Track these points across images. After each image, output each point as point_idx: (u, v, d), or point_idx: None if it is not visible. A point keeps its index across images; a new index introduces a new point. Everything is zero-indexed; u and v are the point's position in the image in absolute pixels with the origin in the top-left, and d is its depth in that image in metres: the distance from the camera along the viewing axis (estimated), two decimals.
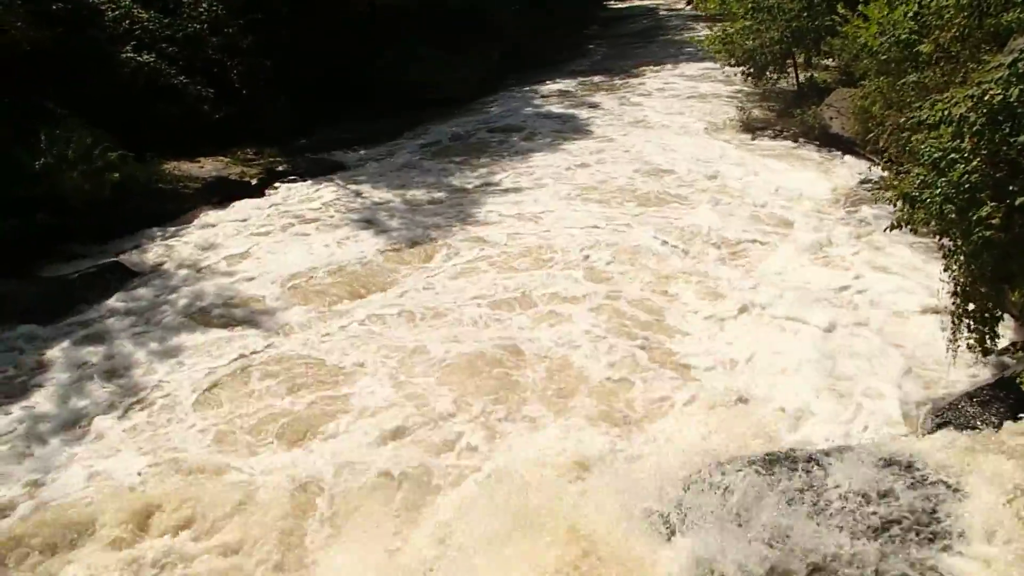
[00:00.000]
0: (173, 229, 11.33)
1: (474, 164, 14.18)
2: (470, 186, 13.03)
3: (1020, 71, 5.23)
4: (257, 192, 12.89)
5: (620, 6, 34.32)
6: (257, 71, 15.29)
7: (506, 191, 12.60)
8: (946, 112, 5.63)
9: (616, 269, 9.39)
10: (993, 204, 5.23)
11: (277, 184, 13.25)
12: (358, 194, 12.81)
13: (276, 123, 15.01)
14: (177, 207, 11.87)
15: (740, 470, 5.03)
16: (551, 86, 20.57)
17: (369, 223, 11.47)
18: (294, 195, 12.83)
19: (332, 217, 11.78)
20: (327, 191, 12.97)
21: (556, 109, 18.05)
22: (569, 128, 16.23)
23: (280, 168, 13.81)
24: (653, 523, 4.78)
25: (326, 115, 16.04)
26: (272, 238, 11.06)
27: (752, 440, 6.01)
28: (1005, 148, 5.46)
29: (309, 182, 13.38)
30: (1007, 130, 5.23)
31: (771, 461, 5.16)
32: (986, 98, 5.30)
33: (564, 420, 6.56)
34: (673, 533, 4.67)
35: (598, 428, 6.40)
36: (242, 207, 12.20)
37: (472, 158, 14.58)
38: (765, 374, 7.01)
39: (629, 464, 5.71)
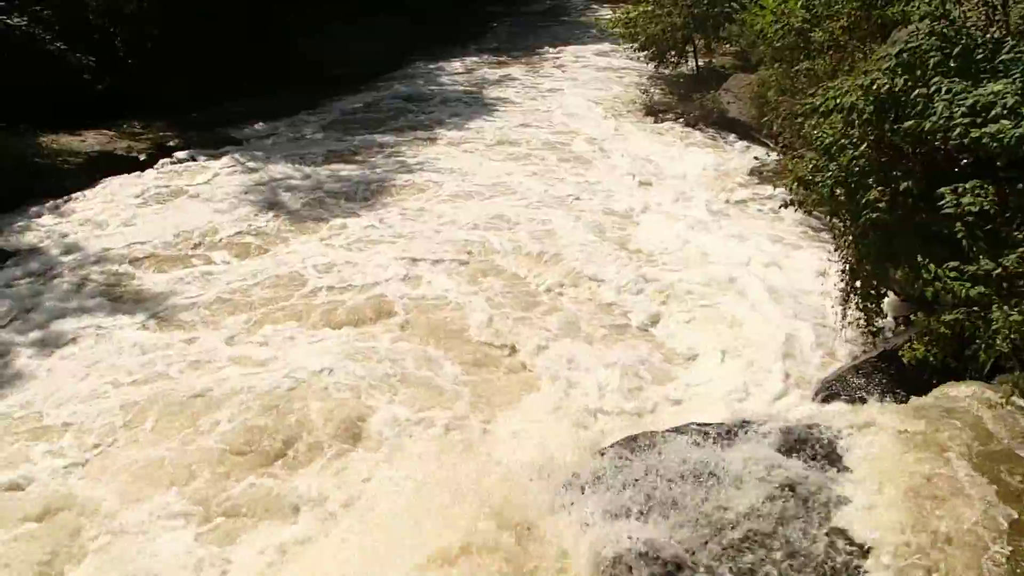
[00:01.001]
0: (52, 206, 10.60)
1: (381, 139, 13.86)
2: (376, 160, 12.77)
3: (904, 61, 5.51)
4: (145, 166, 12.18)
5: None
6: (145, 39, 14.35)
7: (414, 165, 12.41)
8: (838, 100, 5.88)
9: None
10: (880, 188, 5.50)
11: (166, 159, 12.51)
12: (254, 168, 12.29)
13: (166, 95, 14.13)
14: (57, 183, 11.05)
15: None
16: (457, 63, 20.30)
17: (266, 195, 11.18)
18: (185, 169, 12.19)
19: (225, 190, 11.34)
20: (221, 165, 12.38)
21: (463, 86, 17.85)
22: (476, 105, 16.09)
23: (171, 143, 13.05)
24: None
25: (223, 88, 15.15)
26: (159, 211, 10.62)
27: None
28: (890, 135, 5.77)
29: (203, 157, 12.72)
30: (892, 117, 5.50)
31: (679, 432, 5.33)
32: (874, 87, 5.57)
33: None
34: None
35: None
36: (128, 182, 11.55)
37: (380, 133, 14.26)
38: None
39: None
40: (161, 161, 12.43)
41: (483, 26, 24.35)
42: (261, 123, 14.62)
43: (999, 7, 5.82)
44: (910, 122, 5.17)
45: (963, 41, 5.53)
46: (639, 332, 7.68)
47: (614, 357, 7.11)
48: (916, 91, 5.24)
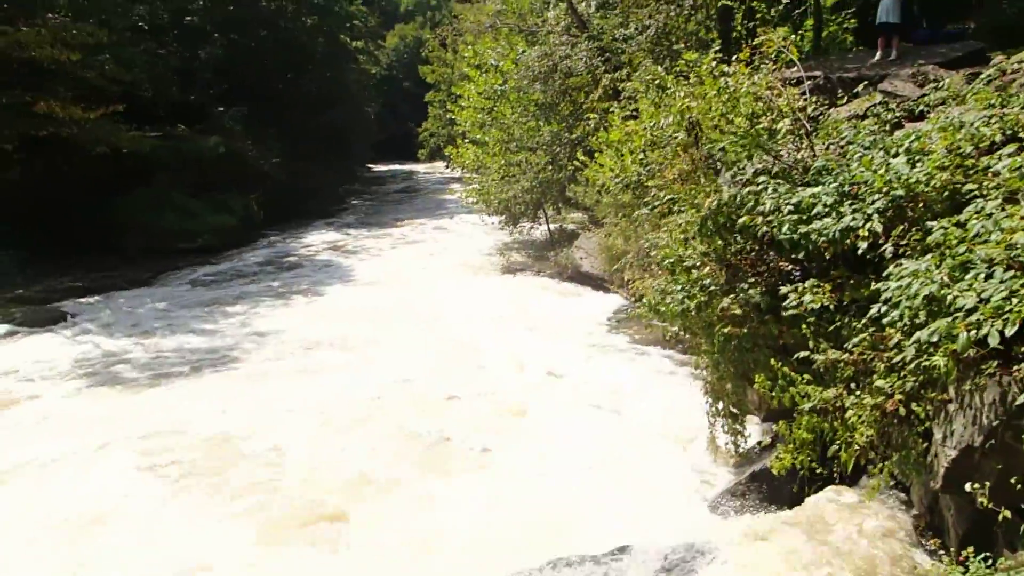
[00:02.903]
0: None
1: (231, 308, 13.19)
2: (224, 328, 12.01)
3: (730, 180, 5.86)
4: None
5: (382, 169, 35.66)
6: None
7: (262, 333, 11.71)
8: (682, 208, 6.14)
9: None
10: (731, 297, 5.60)
11: None
12: (84, 342, 11.24)
13: None
14: None
15: None
16: (314, 236, 20.34)
17: (96, 369, 10.09)
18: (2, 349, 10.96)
19: (45, 366, 10.16)
20: (47, 343, 11.25)
21: (318, 257, 17.72)
22: (331, 276, 15.83)
23: None
24: None
25: (57, 261, 14.27)
26: None
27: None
28: (728, 255, 5.99)
29: (24, 333, 11.55)
30: (727, 223, 5.70)
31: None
32: (709, 201, 5.83)
33: None
34: None
35: None
36: None
37: (229, 302, 13.60)
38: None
39: None
40: None
41: (340, 203, 24.83)
42: (98, 296, 13.65)
43: (805, 136, 6.40)
44: (744, 218, 5.35)
45: (781, 165, 6.00)
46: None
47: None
48: (746, 189, 5.50)
